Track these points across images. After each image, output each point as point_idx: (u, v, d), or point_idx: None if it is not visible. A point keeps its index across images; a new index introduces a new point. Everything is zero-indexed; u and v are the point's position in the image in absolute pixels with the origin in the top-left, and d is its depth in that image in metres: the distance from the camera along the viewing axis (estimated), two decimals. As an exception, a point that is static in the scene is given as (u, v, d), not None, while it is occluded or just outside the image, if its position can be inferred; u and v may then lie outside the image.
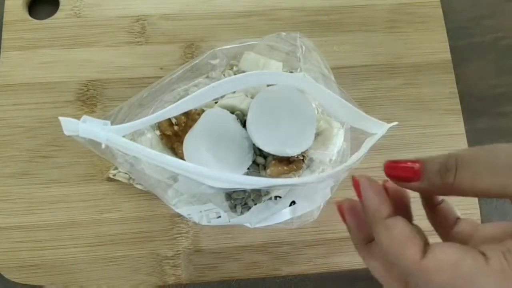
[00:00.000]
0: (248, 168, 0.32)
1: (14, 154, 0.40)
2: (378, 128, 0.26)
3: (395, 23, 0.46)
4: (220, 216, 0.31)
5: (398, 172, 0.20)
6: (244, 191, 0.32)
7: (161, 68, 0.43)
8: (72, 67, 0.43)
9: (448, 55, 0.46)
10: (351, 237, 0.23)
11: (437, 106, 0.44)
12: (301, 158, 0.32)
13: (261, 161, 0.33)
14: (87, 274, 0.38)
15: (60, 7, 0.44)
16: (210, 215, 0.31)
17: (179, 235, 0.40)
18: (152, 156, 0.19)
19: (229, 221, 0.31)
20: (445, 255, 0.17)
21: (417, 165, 0.19)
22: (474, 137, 0.44)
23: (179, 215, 0.40)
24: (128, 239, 0.39)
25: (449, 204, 0.23)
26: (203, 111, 0.34)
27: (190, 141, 0.31)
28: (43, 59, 0.43)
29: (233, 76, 0.26)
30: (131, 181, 0.39)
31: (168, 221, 0.40)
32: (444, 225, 0.23)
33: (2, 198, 0.39)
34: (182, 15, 0.45)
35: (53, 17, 0.44)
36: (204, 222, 0.32)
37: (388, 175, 0.20)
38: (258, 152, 0.33)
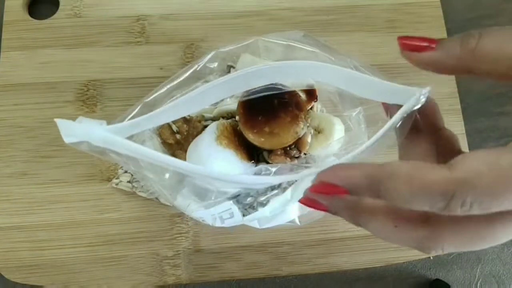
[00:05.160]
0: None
1: (14, 154, 0.40)
2: (406, 97, 0.21)
3: (395, 23, 0.46)
4: (233, 216, 0.30)
5: (412, 40, 0.19)
6: (250, 194, 0.32)
7: (161, 68, 0.43)
8: (72, 67, 0.43)
9: (448, 55, 0.46)
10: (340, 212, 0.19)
11: (437, 106, 0.44)
12: (301, 155, 0.32)
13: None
14: (87, 274, 0.38)
15: (60, 7, 0.44)
16: (224, 216, 0.31)
17: (179, 235, 0.40)
18: (152, 156, 0.19)
19: (242, 220, 0.31)
20: (477, 160, 0.14)
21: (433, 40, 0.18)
22: (474, 137, 0.44)
23: (179, 215, 0.40)
24: (128, 239, 0.39)
25: (452, 132, 0.21)
26: (203, 117, 0.34)
27: (193, 154, 0.30)
28: (43, 59, 0.43)
29: (230, 75, 0.23)
30: (133, 190, 0.39)
31: (168, 221, 0.40)
32: (446, 157, 0.20)
33: (2, 198, 0.39)
34: (182, 15, 0.45)
35: (53, 17, 0.44)
36: (218, 224, 0.31)
37: (401, 44, 0.20)
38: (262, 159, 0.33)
